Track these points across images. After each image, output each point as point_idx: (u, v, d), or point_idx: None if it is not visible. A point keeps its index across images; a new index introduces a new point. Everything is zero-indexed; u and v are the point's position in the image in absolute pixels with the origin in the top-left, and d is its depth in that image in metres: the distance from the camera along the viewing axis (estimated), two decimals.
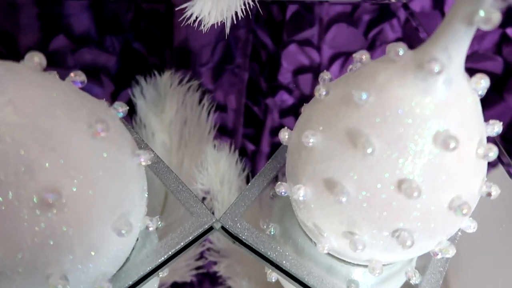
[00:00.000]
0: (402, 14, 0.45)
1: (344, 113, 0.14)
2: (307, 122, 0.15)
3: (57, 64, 0.39)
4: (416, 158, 0.13)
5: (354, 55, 0.15)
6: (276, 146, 0.40)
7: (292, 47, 0.44)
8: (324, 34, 0.44)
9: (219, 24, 0.19)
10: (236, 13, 0.19)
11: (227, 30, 0.18)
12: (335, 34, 0.44)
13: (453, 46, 0.12)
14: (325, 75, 0.17)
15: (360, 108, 0.13)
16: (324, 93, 0.15)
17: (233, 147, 0.32)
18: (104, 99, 0.16)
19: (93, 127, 0.12)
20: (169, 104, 0.33)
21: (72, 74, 0.14)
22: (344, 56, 0.44)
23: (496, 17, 0.10)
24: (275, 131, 0.44)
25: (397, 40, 0.46)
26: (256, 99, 0.44)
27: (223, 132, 0.39)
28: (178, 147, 0.33)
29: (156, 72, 0.35)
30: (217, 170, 0.27)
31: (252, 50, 0.44)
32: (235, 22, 0.19)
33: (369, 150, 0.13)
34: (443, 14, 0.46)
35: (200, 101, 0.35)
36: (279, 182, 0.17)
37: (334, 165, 0.14)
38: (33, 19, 0.37)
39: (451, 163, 0.13)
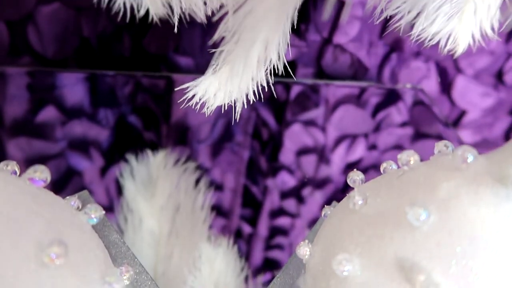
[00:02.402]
0: (409, 98, 0.44)
1: (392, 235, 0.10)
2: (338, 240, 0.11)
3: (44, 136, 0.36)
4: None
5: (399, 156, 0.12)
6: (274, 229, 0.36)
7: (296, 127, 0.42)
8: (330, 115, 0.42)
9: (225, 107, 0.17)
10: (246, 96, 0.17)
11: (237, 116, 0.15)
12: (341, 115, 0.42)
13: None
14: (355, 176, 0.13)
15: (415, 231, 0.10)
16: (360, 202, 0.11)
17: (231, 242, 0.28)
18: (75, 201, 0.12)
19: (44, 251, 0.09)
20: (161, 188, 0.30)
21: (30, 170, 0.10)
22: (350, 138, 0.42)
23: None
24: (274, 214, 0.40)
25: (404, 124, 0.45)
26: (255, 179, 0.41)
27: (218, 212, 0.36)
28: (168, 237, 0.29)
29: (149, 151, 0.31)
30: (211, 271, 0.23)
31: (254, 128, 0.42)
32: (245, 106, 0.16)
33: None
34: (450, 98, 0.45)
35: (196, 184, 0.32)
36: None
37: None
38: (22, 90, 0.35)
39: None
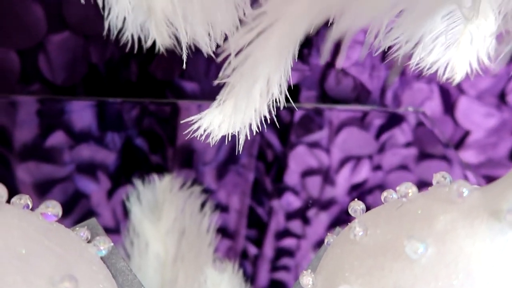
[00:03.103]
0: (412, 119, 0.45)
1: (391, 267, 0.11)
2: (340, 271, 0.12)
3: (52, 161, 0.37)
4: None
5: (398, 188, 0.12)
6: (280, 251, 0.36)
7: (300, 149, 0.43)
8: (334, 136, 0.43)
9: (229, 138, 0.17)
10: (250, 126, 0.17)
11: (240, 147, 0.16)
12: (345, 137, 0.42)
13: None
14: (356, 205, 0.13)
15: (414, 263, 0.10)
16: (361, 233, 0.12)
17: (236, 265, 0.28)
18: (85, 235, 0.13)
19: (56, 287, 0.09)
20: (167, 211, 0.30)
21: (43, 206, 0.11)
22: (354, 160, 0.43)
23: None
24: (279, 235, 0.40)
25: (408, 144, 0.45)
26: (261, 200, 0.41)
27: (224, 234, 0.36)
28: (173, 261, 0.29)
29: (155, 175, 0.32)
30: None
31: (258, 150, 0.42)
32: (248, 137, 0.16)
33: None
34: (454, 119, 0.46)
35: (202, 207, 0.32)
36: None
37: None
38: (32, 116, 0.36)
39: None
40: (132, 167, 0.36)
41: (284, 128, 0.43)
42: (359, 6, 0.08)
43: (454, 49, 0.19)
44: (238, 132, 0.17)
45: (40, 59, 0.34)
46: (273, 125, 0.43)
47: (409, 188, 0.12)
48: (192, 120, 0.16)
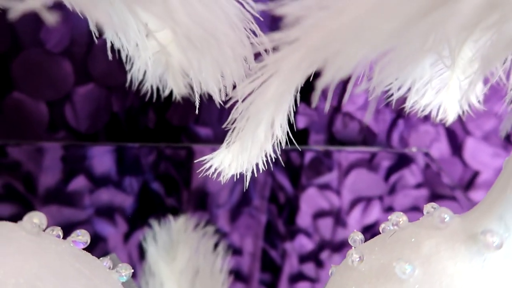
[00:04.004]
0: (421, 160, 0.45)
1: None
2: None
3: (73, 204, 0.38)
4: None
5: (389, 217, 0.14)
6: None
7: (311, 191, 0.44)
8: (344, 178, 0.43)
9: (238, 176, 0.19)
10: (257, 165, 0.19)
11: (246, 183, 0.17)
12: (354, 179, 0.43)
13: (510, 216, 0.10)
14: (356, 236, 0.15)
15: (403, 284, 0.11)
16: (357, 259, 0.13)
17: None
18: (108, 262, 0.14)
19: None
20: (181, 251, 0.31)
21: (74, 234, 0.12)
22: (365, 201, 0.43)
23: None
24: (293, 278, 0.40)
25: (418, 185, 0.46)
26: (274, 243, 0.41)
27: (237, 277, 0.36)
28: None
29: (171, 216, 0.33)
30: None
31: (270, 193, 0.43)
32: (255, 173, 0.18)
33: None
34: (462, 160, 0.46)
35: (215, 248, 0.33)
36: None
37: None
38: (56, 161, 0.38)
39: None
40: (148, 210, 0.37)
41: (295, 170, 0.44)
42: (341, 60, 0.10)
43: (444, 93, 0.21)
44: (246, 170, 0.19)
45: (67, 109, 0.37)
46: (285, 168, 0.44)
47: (400, 217, 0.13)
48: (205, 160, 0.17)
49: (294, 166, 0.44)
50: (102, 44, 0.36)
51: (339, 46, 0.09)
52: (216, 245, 0.33)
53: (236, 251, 0.37)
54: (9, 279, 0.09)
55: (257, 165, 0.19)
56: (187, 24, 0.11)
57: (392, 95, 0.20)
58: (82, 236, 0.12)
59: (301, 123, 0.42)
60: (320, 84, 0.10)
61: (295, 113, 0.44)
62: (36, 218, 0.11)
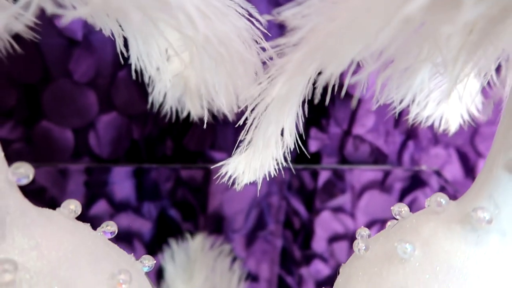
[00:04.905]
0: (434, 183, 0.46)
1: (388, 270, 0.13)
2: (348, 283, 0.14)
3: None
4: None
5: (392, 207, 0.15)
6: None
7: (325, 214, 0.44)
8: (357, 201, 0.44)
9: (251, 183, 0.20)
10: (269, 174, 0.20)
11: (259, 187, 0.19)
12: (368, 201, 0.44)
13: (498, 194, 0.11)
14: (362, 231, 0.16)
15: (405, 264, 0.12)
16: (363, 247, 0.14)
17: None
18: (133, 254, 0.15)
19: (115, 279, 0.12)
20: (198, 270, 0.32)
21: (104, 224, 0.14)
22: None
23: None
24: None
25: None
26: (290, 269, 0.41)
27: None
28: None
29: (188, 236, 0.34)
30: None
31: (285, 218, 0.44)
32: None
33: None
34: None
35: (231, 266, 0.34)
36: None
37: None
38: (80, 186, 0.40)
39: None
40: (165, 236, 0.38)
41: (309, 194, 0.45)
42: (337, 58, 0.12)
43: (445, 105, 0.22)
44: (258, 178, 0.20)
45: (91, 136, 0.39)
46: (299, 192, 0.45)
47: (402, 208, 0.14)
48: (222, 165, 0.19)
49: (308, 189, 0.44)
50: (124, 76, 0.39)
51: (335, 45, 0.11)
52: (231, 265, 0.34)
53: (252, 277, 0.38)
54: (50, 252, 0.11)
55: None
56: (205, 34, 0.12)
57: (395, 108, 0.22)
58: (110, 227, 0.14)
59: (313, 146, 0.43)
60: (321, 80, 0.12)
61: (307, 137, 0.45)
62: (72, 205, 0.13)
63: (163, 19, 0.11)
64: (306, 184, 0.45)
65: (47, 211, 0.12)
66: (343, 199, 0.44)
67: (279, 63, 0.12)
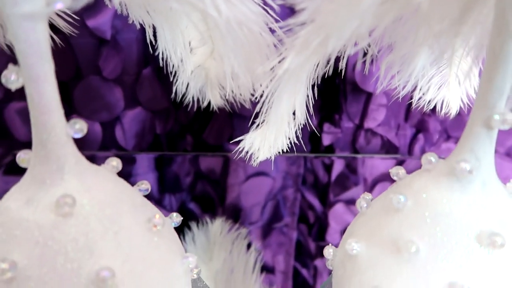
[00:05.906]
0: None
1: (385, 221, 0.14)
2: (350, 235, 0.16)
3: None
4: (463, 259, 0.13)
5: (390, 170, 0.16)
6: None
7: (339, 207, 0.45)
8: (370, 193, 0.45)
9: (268, 158, 0.22)
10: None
11: (272, 163, 0.20)
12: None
13: (478, 148, 0.13)
14: (366, 195, 0.18)
15: (399, 213, 0.14)
16: (365, 205, 0.16)
17: None
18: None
19: (151, 222, 0.14)
20: (217, 252, 0.34)
21: (139, 182, 0.16)
22: None
23: (511, 118, 0.12)
24: None
25: None
26: (305, 262, 0.43)
27: None
28: None
29: (208, 220, 0.36)
30: None
31: (300, 212, 0.45)
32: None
33: (413, 249, 0.13)
34: None
35: (248, 248, 0.36)
36: None
37: (380, 273, 0.14)
38: None
39: (500, 264, 0.13)
40: (184, 227, 0.40)
41: (323, 188, 0.46)
42: (338, 33, 0.14)
43: (445, 89, 0.24)
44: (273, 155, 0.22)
45: (117, 130, 0.42)
46: (313, 186, 0.46)
47: (399, 170, 0.16)
48: (239, 140, 0.21)
49: (322, 183, 0.46)
50: (148, 74, 0.42)
51: (334, 22, 0.13)
52: (248, 246, 0.36)
53: (268, 269, 0.40)
54: (99, 194, 0.13)
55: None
56: (227, 16, 0.14)
57: (398, 93, 0.24)
58: (144, 185, 0.16)
59: (327, 140, 0.45)
60: (326, 56, 0.14)
61: (321, 132, 0.47)
62: (114, 162, 0.15)
63: (192, 2, 0.14)
64: (320, 177, 0.46)
65: (94, 165, 0.15)
66: (356, 192, 0.45)
67: (289, 41, 0.15)
